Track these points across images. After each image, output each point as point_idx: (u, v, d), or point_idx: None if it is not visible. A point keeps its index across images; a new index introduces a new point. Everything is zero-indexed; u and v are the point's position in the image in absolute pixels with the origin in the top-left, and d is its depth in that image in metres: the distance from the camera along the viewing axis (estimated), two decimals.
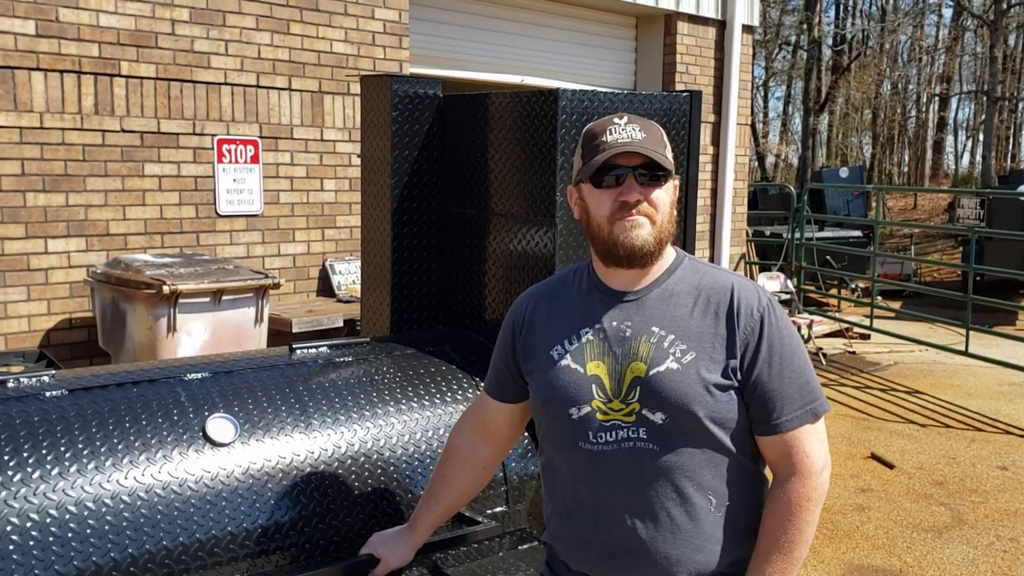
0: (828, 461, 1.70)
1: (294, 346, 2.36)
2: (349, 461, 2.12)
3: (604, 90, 2.44)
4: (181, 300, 4.41)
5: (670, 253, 1.77)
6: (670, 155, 1.72)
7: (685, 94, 2.52)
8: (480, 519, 2.23)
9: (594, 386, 1.68)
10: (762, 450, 1.71)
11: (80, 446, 1.85)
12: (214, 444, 1.98)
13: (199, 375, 2.13)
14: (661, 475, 1.64)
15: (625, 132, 1.66)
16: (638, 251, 1.66)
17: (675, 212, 1.72)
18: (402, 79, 2.58)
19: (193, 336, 4.59)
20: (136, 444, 1.91)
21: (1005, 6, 21.70)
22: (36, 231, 4.77)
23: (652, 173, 1.66)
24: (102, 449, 1.86)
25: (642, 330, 1.69)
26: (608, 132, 1.67)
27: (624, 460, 1.66)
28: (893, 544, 4.60)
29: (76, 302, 4.94)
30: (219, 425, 2.00)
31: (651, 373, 1.65)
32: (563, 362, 1.72)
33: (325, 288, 5.93)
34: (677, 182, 1.74)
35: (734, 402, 1.66)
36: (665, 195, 1.69)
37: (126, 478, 1.85)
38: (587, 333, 1.72)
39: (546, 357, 1.75)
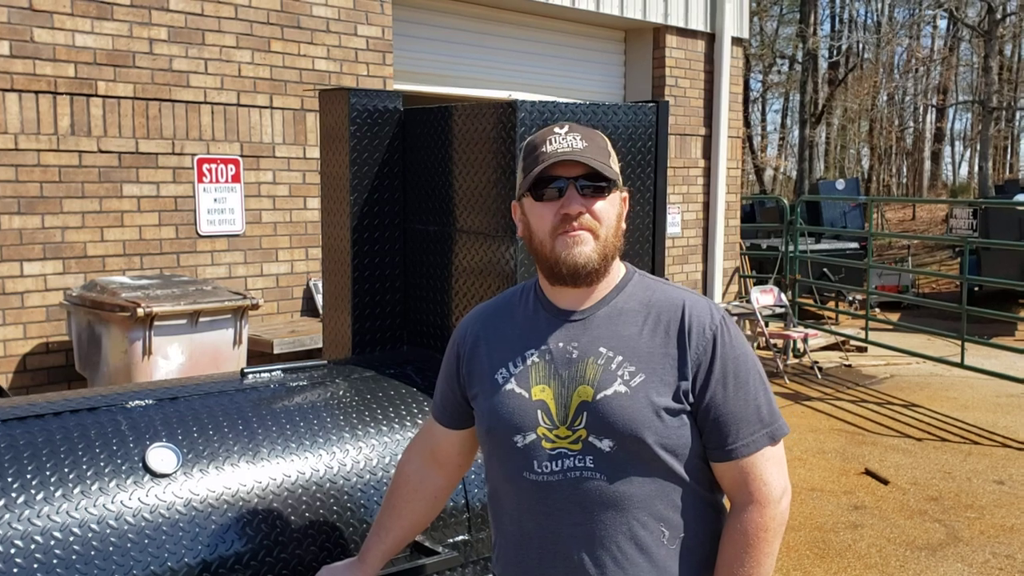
0: (788, 488, 1.61)
1: (245, 370, 2.28)
2: (300, 491, 2.03)
3: (565, 100, 2.37)
4: (156, 322, 4.33)
5: (619, 269, 1.68)
6: (615, 164, 1.63)
7: (651, 104, 2.45)
8: (440, 549, 2.14)
9: (539, 412, 1.59)
10: (717, 477, 1.62)
11: (10, 480, 1.77)
12: (155, 475, 1.89)
13: (142, 402, 2.05)
14: (610, 506, 1.55)
15: (565, 141, 1.57)
16: (581, 269, 1.57)
17: (622, 226, 1.63)
18: (360, 92, 2.51)
19: (170, 359, 4.51)
20: (71, 477, 1.82)
21: (999, 16, 21.71)
22: (11, 254, 4.70)
23: (595, 184, 1.57)
24: (33, 483, 1.78)
25: (589, 351, 1.59)
26: (548, 142, 1.58)
27: (571, 491, 1.56)
28: (886, 563, 4.50)
29: (53, 326, 4.86)
30: (160, 455, 1.92)
31: (598, 397, 1.55)
32: (508, 386, 1.62)
33: (309, 308, 5.85)
34: (625, 194, 1.66)
35: (686, 427, 1.57)
36: (610, 207, 1.60)
37: (58, 513, 1.76)
38: (532, 355, 1.63)
39: (491, 381, 1.66)
